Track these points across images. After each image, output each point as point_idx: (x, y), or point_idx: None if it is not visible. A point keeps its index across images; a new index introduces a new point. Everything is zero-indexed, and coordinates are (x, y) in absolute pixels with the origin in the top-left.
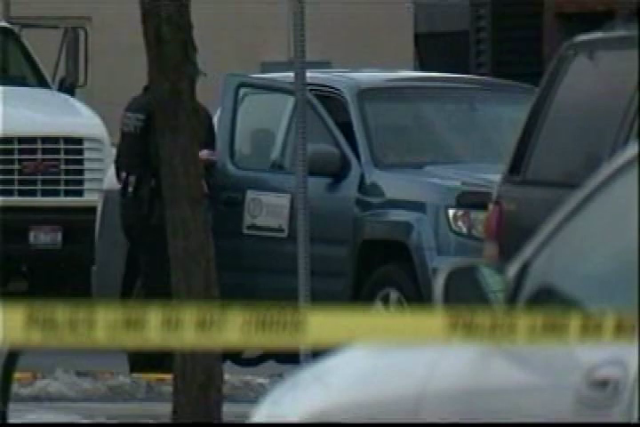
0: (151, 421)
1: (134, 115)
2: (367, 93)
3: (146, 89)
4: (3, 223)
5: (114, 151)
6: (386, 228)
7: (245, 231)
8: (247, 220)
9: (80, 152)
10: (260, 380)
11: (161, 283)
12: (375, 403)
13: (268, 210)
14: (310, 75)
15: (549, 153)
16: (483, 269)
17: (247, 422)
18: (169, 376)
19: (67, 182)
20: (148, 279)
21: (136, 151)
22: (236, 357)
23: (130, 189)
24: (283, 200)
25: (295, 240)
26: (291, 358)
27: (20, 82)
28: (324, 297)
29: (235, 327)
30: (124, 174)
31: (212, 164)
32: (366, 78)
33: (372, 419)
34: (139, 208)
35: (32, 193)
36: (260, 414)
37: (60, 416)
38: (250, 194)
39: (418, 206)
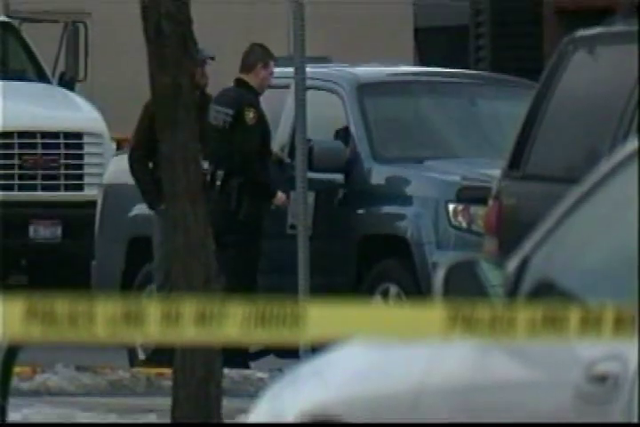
0: (151, 415)
1: (224, 109)
2: (367, 88)
3: (237, 82)
4: (3, 218)
5: (114, 146)
6: (385, 222)
7: (288, 231)
8: (289, 220)
9: (80, 147)
10: (260, 374)
11: (246, 279)
12: (374, 398)
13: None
14: (310, 70)
15: (549, 148)
16: (482, 264)
17: (247, 416)
18: (169, 371)
19: (66, 177)
20: (233, 276)
21: (224, 146)
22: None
23: (218, 183)
24: (307, 199)
25: (317, 238)
26: (290, 353)
27: (20, 76)
28: (324, 291)
29: (234, 322)
30: (211, 168)
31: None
32: (366, 73)
33: (371, 413)
34: (226, 203)
35: (32, 187)
36: (259, 408)
37: (60, 411)
38: (293, 194)
39: (417, 201)
